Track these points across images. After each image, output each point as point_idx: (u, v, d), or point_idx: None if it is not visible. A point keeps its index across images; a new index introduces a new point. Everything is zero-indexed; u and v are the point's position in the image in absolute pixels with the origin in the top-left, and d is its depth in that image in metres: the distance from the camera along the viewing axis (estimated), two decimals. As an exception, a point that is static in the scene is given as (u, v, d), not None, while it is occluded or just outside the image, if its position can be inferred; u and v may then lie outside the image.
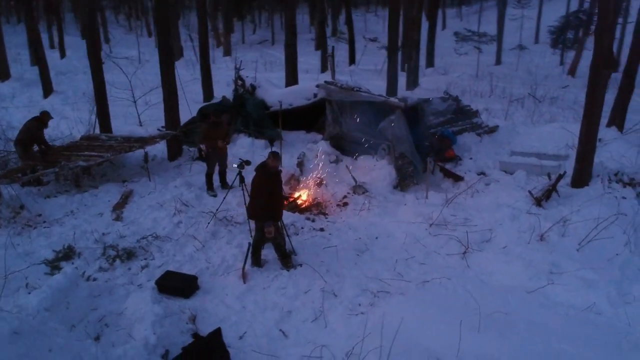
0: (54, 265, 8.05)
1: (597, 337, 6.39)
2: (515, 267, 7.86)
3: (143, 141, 11.47)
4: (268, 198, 7.57)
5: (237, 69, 14.28)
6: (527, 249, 8.23)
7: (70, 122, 15.12)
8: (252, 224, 8.73)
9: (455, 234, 8.74)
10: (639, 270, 7.85)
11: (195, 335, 6.22)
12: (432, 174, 11.50)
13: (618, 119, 12.36)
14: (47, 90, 19.96)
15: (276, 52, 40.58)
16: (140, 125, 15.02)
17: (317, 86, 13.16)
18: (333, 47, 21.46)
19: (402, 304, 7.07)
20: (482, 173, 11.47)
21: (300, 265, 8.05)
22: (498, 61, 31.92)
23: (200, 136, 10.53)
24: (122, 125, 14.23)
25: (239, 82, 13.99)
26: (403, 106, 10.99)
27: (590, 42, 28.15)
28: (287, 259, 8.00)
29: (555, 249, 8.18)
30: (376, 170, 11.27)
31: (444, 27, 48.79)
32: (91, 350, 5.76)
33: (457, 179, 11.23)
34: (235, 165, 9.10)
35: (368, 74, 25.96)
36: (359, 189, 10.79)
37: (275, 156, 7.65)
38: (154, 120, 15.52)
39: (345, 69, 27.31)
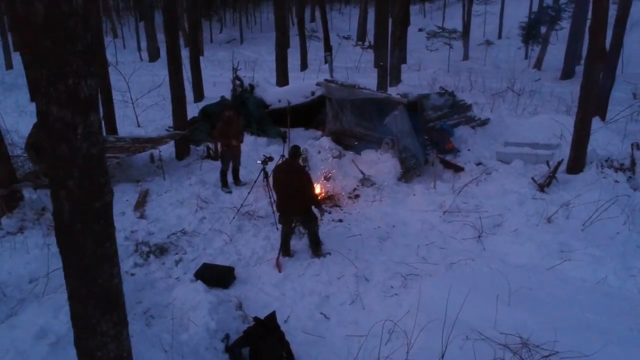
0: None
1: (614, 305, 7.07)
2: (528, 248, 8.51)
3: (154, 141, 11.72)
4: (305, 189, 8.11)
5: (235, 69, 14.62)
6: (536, 231, 8.90)
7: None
8: (277, 216, 9.23)
9: (469, 220, 9.36)
10: (638, 246, 8.62)
11: (256, 318, 6.62)
12: (433, 166, 12.11)
13: (601, 110, 13.21)
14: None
15: (247, 51, 40.71)
16: (139, 127, 15.18)
17: (317, 84, 13.62)
18: (331, 46, 21.89)
19: (433, 284, 7.60)
20: (480, 163, 12.13)
21: (329, 253, 8.52)
22: (466, 56, 32.80)
23: (216, 134, 10.84)
24: (121, 127, 14.38)
25: (237, 82, 14.32)
26: (405, 102, 11.55)
27: (553, 37, 29.54)
28: (318, 247, 8.47)
29: (563, 230, 8.87)
30: (380, 164, 11.80)
31: (408, 23, 49.65)
32: (163, 336, 6.11)
33: (458, 169, 11.86)
34: (259, 162, 9.50)
35: (345, 71, 26.46)
36: (366, 181, 11.31)
37: (299, 149, 8.40)
38: (150, 121, 15.72)
39: (323, 67, 27.80)
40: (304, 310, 7.36)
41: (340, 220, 9.85)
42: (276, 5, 18.23)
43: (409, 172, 11.71)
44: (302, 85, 14.83)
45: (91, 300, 3.87)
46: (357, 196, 10.89)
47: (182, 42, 34.68)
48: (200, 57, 34.07)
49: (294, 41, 31.30)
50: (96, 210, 3.60)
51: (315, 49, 34.08)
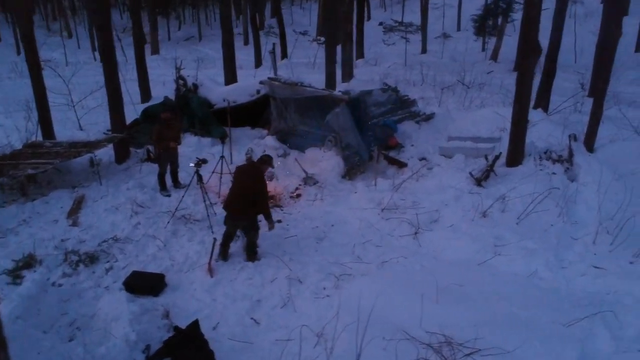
0: (15, 275, 8.00)
1: (542, 299, 7.11)
2: (463, 243, 8.52)
3: (91, 145, 11.41)
4: (256, 196, 8.00)
5: (178, 69, 14.34)
6: (472, 225, 8.92)
7: (5, 129, 14.66)
8: (213, 220, 9.07)
9: (406, 217, 9.33)
10: (571, 238, 8.69)
11: (176, 328, 6.47)
12: (377, 163, 12.07)
13: (543, 102, 13.35)
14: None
15: (205, 48, 40.30)
16: (81, 130, 14.79)
17: (261, 82, 13.46)
18: (274, 44, 21.70)
19: (364, 284, 7.54)
20: (424, 158, 12.13)
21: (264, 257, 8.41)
22: (424, 50, 32.92)
23: (154, 137, 10.60)
24: (61, 130, 13.97)
25: (181, 82, 14.05)
26: (347, 99, 11.48)
27: (510, 29, 29.83)
28: (253, 255, 8.34)
29: (497, 224, 8.91)
30: (324, 161, 11.72)
31: (369, 18, 49.70)
32: (77, 350, 5.91)
33: (401, 165, 11.84)
34: (192, 165, 9.31)
35: (302, 67, 26.32)
36: (309, 180, 11.22)
37: (268, 158, 8.41)
38: (93, 124, 15.33)
39: (278, 64, 27.57)
40: (234, 315, 7.24)
41: (279, 221, 9.72)
42: (222, 4, 17.96)
43: (352, 170, 11.66)
44: (248, 84, 14.64)
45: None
46: (298, 195, 10.79)
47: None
48: (156, 56, 33.84)
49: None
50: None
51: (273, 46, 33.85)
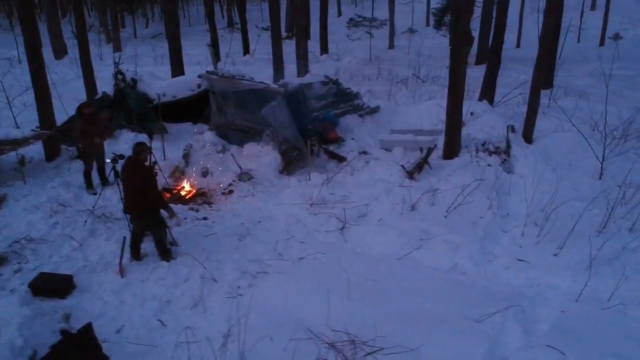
0: None
1: (458, 293, 6.89)
2: (389, 237, 8.28)
3: (15, 143, 10.94)
4: (144, 189, 7.53)
5: (116, 63, 13.88)
6: (399, 219, 8.68)
7: None
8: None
9: (334, 212, 9.05)
10: (501, 230, 8.51)
11: (64, 332, 6.11)
12: (318, 157, 11.80)
13: (488, 94, 13.16)
14: None
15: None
16: (17, 128, 14.24)
17: (199, 76, 13.08)
18: (217, 35, 21.24)
19: (279, 282, 7.27)
20: (364, 152, 11.87)
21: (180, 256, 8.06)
22: (391, 45, 32.74)
23: (77, 133, 10.17)
24: (-4, 128, 13.44)
25: (119, 77, 13.60)
26: (283, 92, 11.17)
27: (475, 24, 29.77)
28: (166, 254, 7.97)
29: (425, 217, 8.68)
30: (262, 157, 11.39)
31: (339, 14, 49.46)
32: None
33: (341, 159, 11.57)
34: (109, 160, 8.93)
35: (263, 62, 25.89)
36: (244, 176, 10.88)
37: (141, 146, 7.65)
38: (32, 121, 14.76)
39: (239, 59, 27.21)
40: (140, 317, 6.88)
41: (205, 218, 9.39)
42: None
43: (291, 165, 11.35)
44: (189, 78, 14.26)
45: None
46: (230, 192, 10.45)
47: (101, 39, 33.63)
48: (119, 53, 33.12)
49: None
50: None
51: (238, 41, 33.41)
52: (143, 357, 6.26)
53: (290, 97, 11.39)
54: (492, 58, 13.13)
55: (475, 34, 28.59)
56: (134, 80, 13.57)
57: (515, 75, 19.13)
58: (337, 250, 8.06)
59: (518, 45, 30.46)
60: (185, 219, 9.31)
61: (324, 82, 13.18)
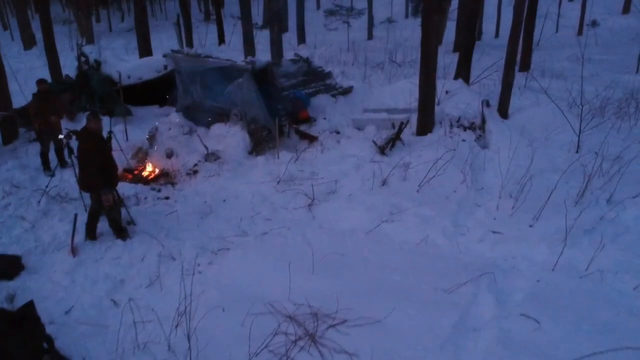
0: None
1: (428, 265, 6.54)
2: (358, 212, 7.91)
3: (-32, 125, 10.41)
4: (99, 164, 7.06)
5: (79, 45, 13.35)
6: (370, 194, 8.31)
7: None
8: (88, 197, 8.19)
9: (302, 189, 8.66)
10: (474, 204, 8.17)
11: (0, 310, 5.63)
12: (288, 137, 11.39)
13: (464, 72, 12.81)
14: None
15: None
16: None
17: (164, 56, 12.59)
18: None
19: (240, 258, 6.88)
20: (337, 131, 11.48)
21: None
22: (370, 36, 32.41)
23: (31, 112, 9.65)
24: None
25: (82, 59, 13.07)
26: (250, 69, 10.73)
27: (454, 13, 29.53)
28: (121, 232, 7.50)
29: (397, 192, 8.31)
30: (229, 137, 10.94)
31: (318, 7, 49.06)
32: None
33: (312, 139, 11.17)
34: (62, 136, 8.45)
35: (239, 52, 25.37)
36: (211, 156, 10.42)
37: (95, 117, 7.16)
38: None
39: (215, 50, 26.64)
40: (92, 297, 6.44)
41: (167, 198, 8.94)
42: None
43: (260, 145, 10.92)
44: (155, 59, 13.74)
45: None
46: (195, 172, 9.99)
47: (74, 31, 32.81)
48: (90, 46, 32.40)
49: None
50: None
51: (215, 33, 32.89)
52: (92, 337, 5.83)
53: (258, 75, 10.96)
54: (467, 34, 12.79)
55: (453, 23, 28.59)
56: (98, 62, 13.04)
57: (493, 60, 18.91)
58: (303, 226, 7.67)
59: (497, 36, 30.35)
60: (146, 198, 8.86)
61: (294, 59, 12.75)
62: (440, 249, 7.03)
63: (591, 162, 8.52)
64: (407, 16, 41.74)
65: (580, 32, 28.37)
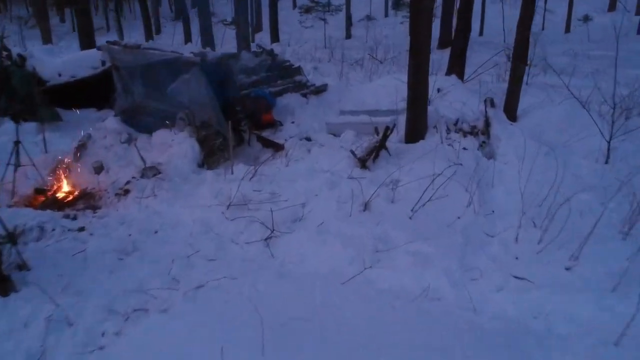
0: None
1: (430, 333, 4.51)
2: (332, 249, 5.84)
3: None
4: None
5: (1, 37, 11.14)
6: (348, 223, 6.25)
7: None
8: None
9: (259, 215, 6.58)
10: (485, 234, 6.18)
11: None
12: (249, 145, 9.37)
13: (457, 67, 10.91)
14: None
15: (111, 38, 36.70)
16: None
17: (98, 48, 10.45)
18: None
19: (159, 327, 4.76)
20: (308, 138, 9.45)
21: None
22: (348, 35, 30.77)
23: None
24: None
25: (4, 53, 10.87)
26: (199, 61, 8.67)
27: (439, 10, 27.95)
28: (4, 284, 5.36)
29: (383, 220, 6.27)
30: (175, 146, 8.84)
31: (294, 6, 47.26)
32: None
33: (278, 148, 9.15)
34: None
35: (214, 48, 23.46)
36: (149, 171, 8.27)
37: None
38: None
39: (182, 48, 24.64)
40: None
41: (82, 229, 6.78)
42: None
43: (213, 156, 8.85)
44: (91, 54, 11.59)
45: None
46: (126, 192, 7.85)
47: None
48: (49, 45, 30.09)
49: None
50: None
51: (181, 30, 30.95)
52: None
53: (210, 69, 8.89)
54: (459, 25, 10.88)
55: (437, 20, 27.04)
56: (22, 57, 10.84)
57: (483, 57, 17.38)
58: (255, 271, 5.58)
59: (481, 34, 29.19)
60: (54, 230, 6.70)
61: (256, 52, 10.67)
62: (445, 304, 4.99)
63: (630, 176, 6.61)
64: (386, 14, 40.22)
65: (567, 30, 27.26)
